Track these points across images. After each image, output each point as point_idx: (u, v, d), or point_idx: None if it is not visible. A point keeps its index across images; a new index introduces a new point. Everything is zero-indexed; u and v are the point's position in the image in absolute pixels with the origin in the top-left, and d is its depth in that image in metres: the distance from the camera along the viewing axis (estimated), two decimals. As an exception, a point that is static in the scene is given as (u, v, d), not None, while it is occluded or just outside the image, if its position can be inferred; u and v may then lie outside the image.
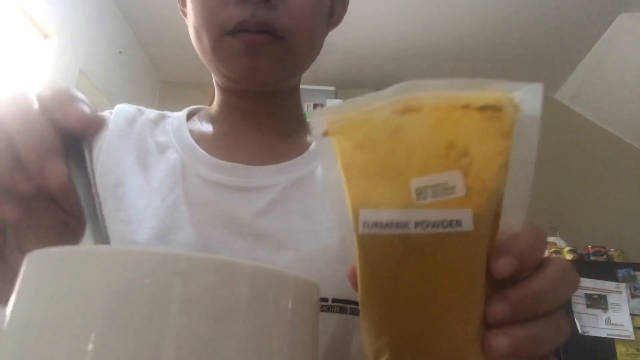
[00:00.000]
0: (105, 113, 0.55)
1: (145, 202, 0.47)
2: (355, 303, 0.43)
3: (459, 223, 0.24)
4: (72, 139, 0.26)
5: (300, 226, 0.47)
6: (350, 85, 3.06)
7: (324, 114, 0.28)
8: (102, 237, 0.27)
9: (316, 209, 0.48)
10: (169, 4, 2.45)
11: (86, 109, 0.26)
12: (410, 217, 0.24)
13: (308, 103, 2.81)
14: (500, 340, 0.24)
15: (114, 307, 0.16)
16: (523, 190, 0.25)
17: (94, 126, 0.26)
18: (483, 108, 0.25)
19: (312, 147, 0.54)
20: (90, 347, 0.16)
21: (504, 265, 0.24)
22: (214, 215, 0.47)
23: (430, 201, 0.24)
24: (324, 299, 0.43)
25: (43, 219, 0.30)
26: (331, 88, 2.95)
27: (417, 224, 0.24)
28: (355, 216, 0.26)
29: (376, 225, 0.25)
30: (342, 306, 0.43)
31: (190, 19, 0.50)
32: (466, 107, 0.25)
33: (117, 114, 0.54)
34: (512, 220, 0.25)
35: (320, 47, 0.53)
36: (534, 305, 0.25)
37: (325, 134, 0.28)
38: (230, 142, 0.54)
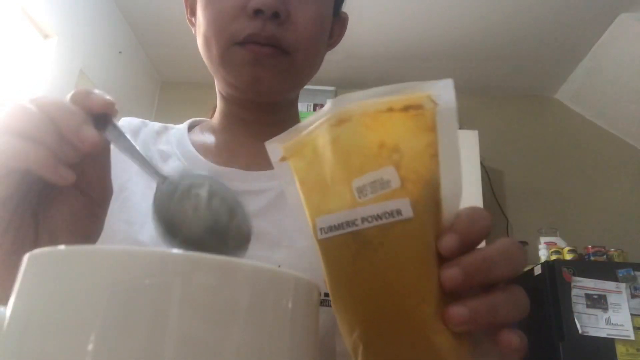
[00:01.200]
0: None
1: (147, 205, 0.48)
2: None
3: (399, 212, 0.26)
4: (99, 117, 0.32)
5: (294, 226, 0.49)
6: (350, 85, 3.06)
7: (279, 141, 0.32)
8: (159, 176, 0.33)
9: None
10: (169, 4, 2.44)
11: (105, 95, 0.32)
12: (356, 214, 0.27)
13: (308, 103, 2.81)
14: (457, 309, 0.25)
15: (114, 307, 0.16)
16: (456, 176, 0.28)
17: (111, 105, 0.32)
18: (405, 108, 0.28)
19: None
20: (90, 347, 0.16)
21: (447, 241, 0.26)
22: None
23: (371, 197, 0.27)
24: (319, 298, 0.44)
25: (70, 204, 0.35)
26: (331, 88, 2.96)
27: (363, 220, 0.26)
28: (314, 225, 0.29)
29: (330, 228, 0.27)
30: None
31: (201, 28, 0.53)
32: (390, 110, 0.28)
33: (122, 125, 0.57)
34: (453, 206, 0.27)
35: (320, 64, 0.58)
36: (484, 271, 0.26)
37: (282, 159, 0.32)
38: (230, 150, 0.57)
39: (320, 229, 0.28)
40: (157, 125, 0.60)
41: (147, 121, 0.60)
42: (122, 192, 0.50)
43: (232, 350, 0.17)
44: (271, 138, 0.56)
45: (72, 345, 0.16)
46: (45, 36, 2.12)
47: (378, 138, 0.28)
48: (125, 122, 0.58)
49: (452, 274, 0.25)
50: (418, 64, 2.91)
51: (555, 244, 2.48)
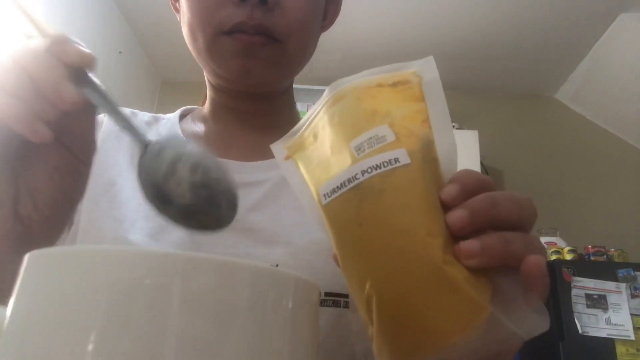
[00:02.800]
0: (99, 117, 0.55)
1: (137, 202, 0.47)
2: (348, 296, 0.44)
3: (397, 160, 0.27)
4: (75, 70, 0.31)
5: (291, 220, 0.47)
6: (350, 85, 3.06)
7: (282, 142, 0.34)
8: (142, 141, 0.32)
9: None
10: (169, 4, 2.43)
11: (80, 46, 0.32)
12: (356, 169, 0.28)
13: (307, 103, 2.81)
14: (469, 242, 0.24)
15: (114, 307, 0.16)
16: (450, 140, 0.29)
17: (90, 58, 0.32)
18: (394, 84, 0.30)
19: None
20: (90, 347, 0.16)
21: (448, 189, 0.26)
22: None
23: (368, 151, 0.28)
24: (319, 298, 0.43)
25: (52, 160, 0.34)
26: (331, 88, 2.95)
27: (363, 172, 0.27)
28: (317, 195, 0.29)
29: (333, 191, 0.28)
30: (335, 299, 0.43)
31: (184, 16, 0.50)
32: (380, 85, 0.31)
33: None
34: (450, 166, 0.28)
35: (314, 49, 0.54)
36: (490, 210, 0.25)
37: (287, 157, 0.33)
38: (223, 140, 0.54)
39: (324, 195, 0.29)
40: (147, 115, 0.58)
41: (136, 111, 0.58)
42: (112, 186, 0.48)
43: (232, 350, 0.17)
44: (265, 127, 0.56)
45: (72, 345, 0.16)
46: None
47: (371, 107, 0.30)
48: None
49: (457, 213, 0.25)
50: (418, 64, 2.91)
51: (555, 244, 2.48)
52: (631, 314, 2.07)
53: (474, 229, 0.25)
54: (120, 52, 2.68)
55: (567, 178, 2.95)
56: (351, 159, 0.28)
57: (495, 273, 0.25)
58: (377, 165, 0.27)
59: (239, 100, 0.54)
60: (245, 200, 0.48)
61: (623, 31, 2.43)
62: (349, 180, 0.28)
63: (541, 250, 0.26)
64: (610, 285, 2.12)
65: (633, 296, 2.11)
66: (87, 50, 0.32)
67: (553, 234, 2.58)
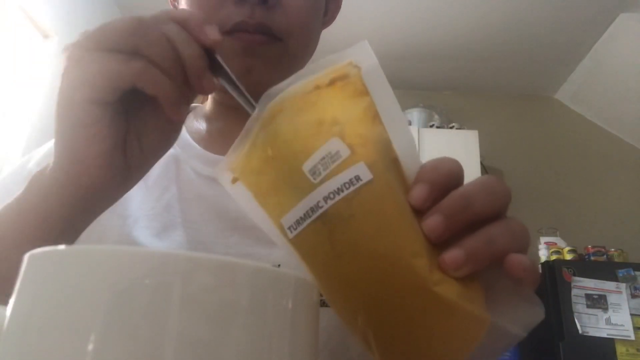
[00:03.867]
0: None
1: (140, 200, 0.47)
2: None
3: (357, 178, 0.25)
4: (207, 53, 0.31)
5: None
6: (350, 85, 3.06)
7: (226, 164, 0.31)
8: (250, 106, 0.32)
9: None
10: (168, 4, 2.44)
11: (214, 28, 0.31)
12: (317, 196, 0.25)
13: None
14: (451, 252, 0.23)
15: (114, 307, 0.16)
16: (405, 132, 0.26)
17: (221, 41, 0.31)
18: (331, 82, 0.27)
19: None
20: (90, 347, 0.16)
21: (415, 192, 0.24)
22: (208, 210, 0.47)
23: (325, 174, 0.25)
24: (319, 298, 0.43)
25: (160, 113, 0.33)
26: (331, 88, 2.95)
27: (325, 199, 0.25)
28: (281, 228, 0.27)
29: (298, 223, 0.26)
30: None
31: None
32: (317, 87, 0.27)
33: None
34: (413, 163, 0.26)
35: (316, 46, 0.54)
36: (466, 208, 0.24)
37: (234, 180, 0.30)
38: (225, 137, 0.54)
39: (289, 228, 0.27)
40: None
41: None
42: None
43: (232, 350, 0.17)
44: None
45: (72, 346, 0.16)
46: (45, 36, 2.12)
47: (314, 117, 0.27)
48: None
49: (433, 221, 0.24)
50: (418, 64, 2.91)
51: (555, 244, 2.48)
52: (631, 314, 2.07)
53: (453, 233, 0.24)
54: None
55: (567, 178, 2.95)
56: (308, 186, 0.26)
57: (483, 270, 0.25)
58: (338, 189, 0.25)
59: None
60: None
61: (623, 31, 2.43)
62: (312, 210, 0.25)
63: (523, 236, 0.25)
64: (610, 285, 2.12)
65: (633, 296, 2.11)
66: (217, 31, 0.31)
67: (553, 234, 2.58)
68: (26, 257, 0.19)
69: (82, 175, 0.32)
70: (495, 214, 0.25)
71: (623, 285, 2.12)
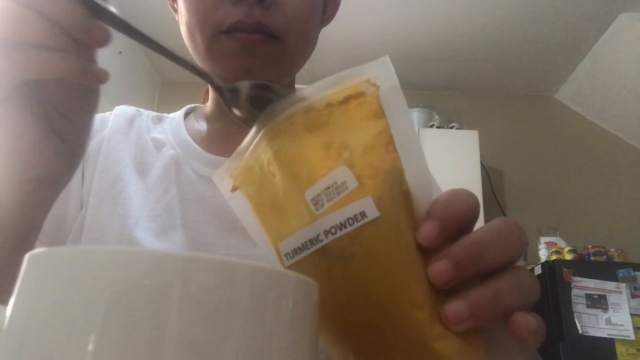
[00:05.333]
0: (106, 114, 0.55)
1: (140, 201, 0.47)
2: None
3: (363, 214, 0.23)
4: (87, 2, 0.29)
5: None
6: (350, 85, 3.06)
7: (226, 171, 0.29)
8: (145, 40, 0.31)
9: None
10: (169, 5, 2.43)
11: None
12: (318, 229, 0.23)
13: (308, 103, 2.81)
14: (454, 306, 0.22)
15: (113, 307, 0.16)
16: (420, 161, 0.24)
17: None
18: (345, 100, 0.25)
19: None
20: (90, 347, 0.16)
21: (424, 230, 0.22)
22: (208, 211, 0.47)
23: (328, 206, 0.23)
24: (319, 298, 0.43)
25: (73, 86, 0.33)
26: (331, 88, 2.95)
27: (326, 233, 0.23)
28: (278, 252, 0.26)
29: (295, 252, 0.24)
30: None
31: (183, 17, 0.50)
32: (329, 105, 0.25)
33: (117, 114, 0.56)
34: (425, 195, 0.24)
35: (315, 45, 0.54)
36: (477, 258, 0.22)
37: (234, 189, 0.28)
38: (225, 138, 0.54)
39: (285, 255, 0.25)
40: (152, 114, 0.58)
41: (141, 110, 0.58)
42: (118, 182, 0.48)
43: (232, 350, 0.17)
44: None
45: (72, 346, 0.16)
46: None
47: (322, 139, 0.24)
48: (120, 111, 0.56)
49: (440, 267, 0.22)
50: (418, 64, 2.91)
51: (555, 244, 2.48)
52: (631, 314, 2.07)
53: (460, 282, 0.22)
54: (120, 52, 2.68)
55: (567, 178, 2.95)
56: (309, 215, 0.24)
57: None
58: (341, 224, 0.23)
59: None
60: None
61: (623, 31, 2.43)
62: (312, 242, 0.24)
63: (532, 290, 0.23)
64: (610, 285, 2.12)
65: (633, 296, 2.11)
66: None
67: (553, 234, 2.58)
68: (26, 257, 0.19)
69: (29, 170, 0.31)
70: (507, 263, 0.24)
71: (623, 285, 2.12)
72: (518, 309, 0.22)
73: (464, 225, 0.24)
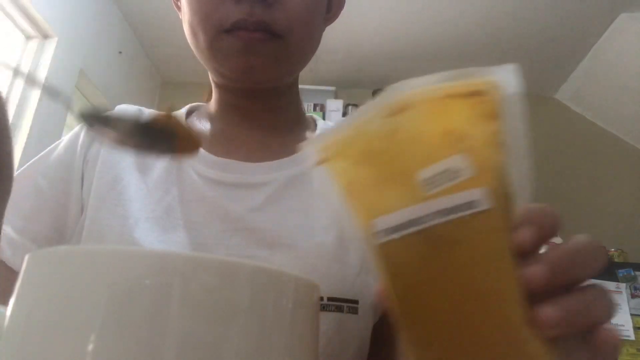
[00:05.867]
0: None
1: (141, 201, 0.47)
2: (352, 302, 0.44)
3: (474, 204, 0.23)
4: None
5: (295, 223, 0.47)
6: (350, 85, 3.06)
7: (315, 142, 0.28)
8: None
9: (312, 206, 0.48)
10: (170, 4, 2.44)
11: None
12: (424, 210, 0.23)
13: (308, 103, 2.81)
14: (550, 311, 0.22)
15: (114, 307, 0.16)
16: (526, 168, 0.25)
17: None
18: (467, 95, 0.25)
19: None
20: (90, 347, 0.16)
21: (524, 233, 0.23)
22: (209, 212, 0.47)
23: (440, 189, 0.23)
24: (319, 298, 0.43)
25: None
26: (331, 88, 2.95)
27: (433, 215, 0.23)
28: (369, 228, 0.25)
29: (393, 230, 0.24)
30: (338, 305, 0.43)
31: (185, 15, 0.50)
32: (452, 96, 0.26)
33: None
34: (523, 201, 0.24)
35: (318, 43, 0.53)
36: (571, 268, 0.23)
37: (320, 162, 0.28)
38: (227, 139, 0.54)
39: (379, 232, 0.25)
40: (154, 113, 0.58)
41: (143, 109, 0.58)
42: (118, 183, 0.48)
43: (232, 350, 0.17)
44: (270, 126, 0.55)
45: (72, 345, 0.16)
46: (45, 36, 2.12)
47: (442, 126, 0.25)
48: (121, 110, 0.56)
49: (538, 270, 0.22)
50: (418, 63, 2.91)
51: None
52: (631, 314, 2.07)
53: (551, 288, 0.22)
54: (120, 52, 2.68)
55: (567, 178, 2.95)
56: (418, 195, 0.24)
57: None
58: (450, 209, 0.23)
59: (242, 98, 0.54)
60: (249, 201, 0.48)
61: (623, 31, 2.43)
62: (414, 222, 0.23)
63: (614, 307, 0.24)
64: (610, 285, 2.12)
65: (633, 296, 2.11)
66: None
67: (553, 234, 2.58)
68: (26, 257, 0.19)
69: None
70: (590, 277, 0.24)
71: (623, 285, 2.12)
72: (602, 323, 0.23)
73: (551, 236, 0.24)
